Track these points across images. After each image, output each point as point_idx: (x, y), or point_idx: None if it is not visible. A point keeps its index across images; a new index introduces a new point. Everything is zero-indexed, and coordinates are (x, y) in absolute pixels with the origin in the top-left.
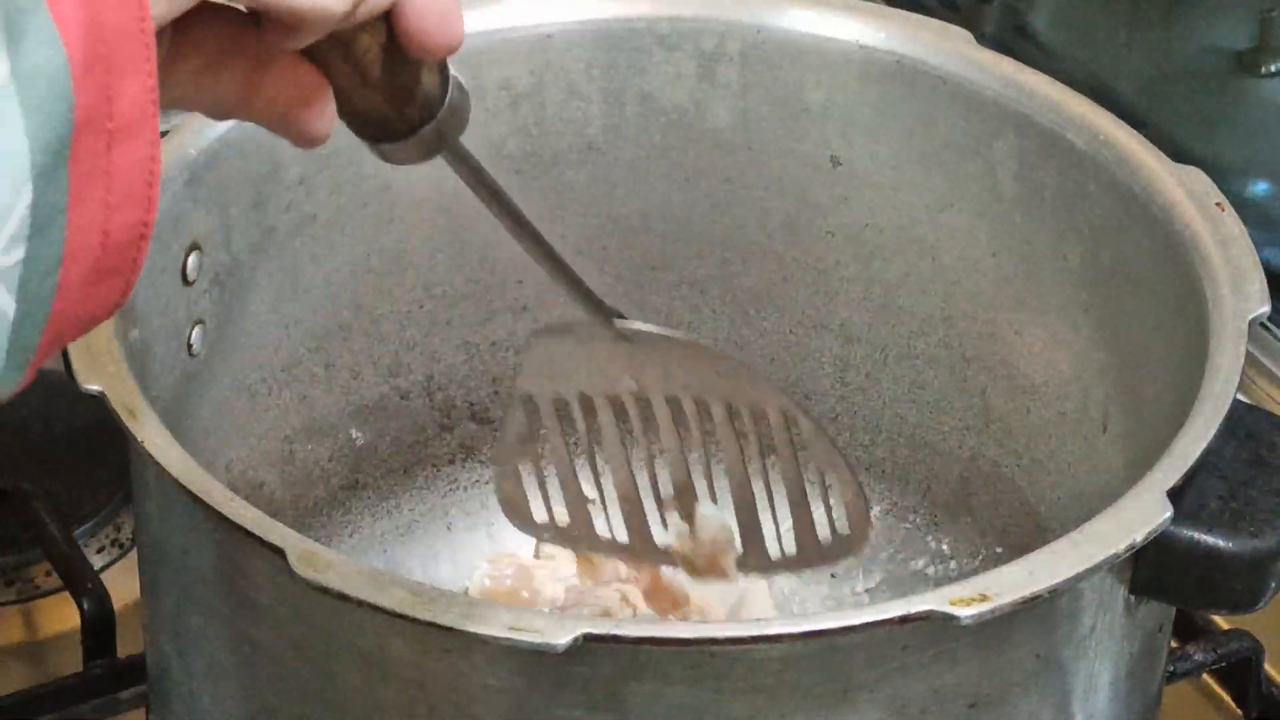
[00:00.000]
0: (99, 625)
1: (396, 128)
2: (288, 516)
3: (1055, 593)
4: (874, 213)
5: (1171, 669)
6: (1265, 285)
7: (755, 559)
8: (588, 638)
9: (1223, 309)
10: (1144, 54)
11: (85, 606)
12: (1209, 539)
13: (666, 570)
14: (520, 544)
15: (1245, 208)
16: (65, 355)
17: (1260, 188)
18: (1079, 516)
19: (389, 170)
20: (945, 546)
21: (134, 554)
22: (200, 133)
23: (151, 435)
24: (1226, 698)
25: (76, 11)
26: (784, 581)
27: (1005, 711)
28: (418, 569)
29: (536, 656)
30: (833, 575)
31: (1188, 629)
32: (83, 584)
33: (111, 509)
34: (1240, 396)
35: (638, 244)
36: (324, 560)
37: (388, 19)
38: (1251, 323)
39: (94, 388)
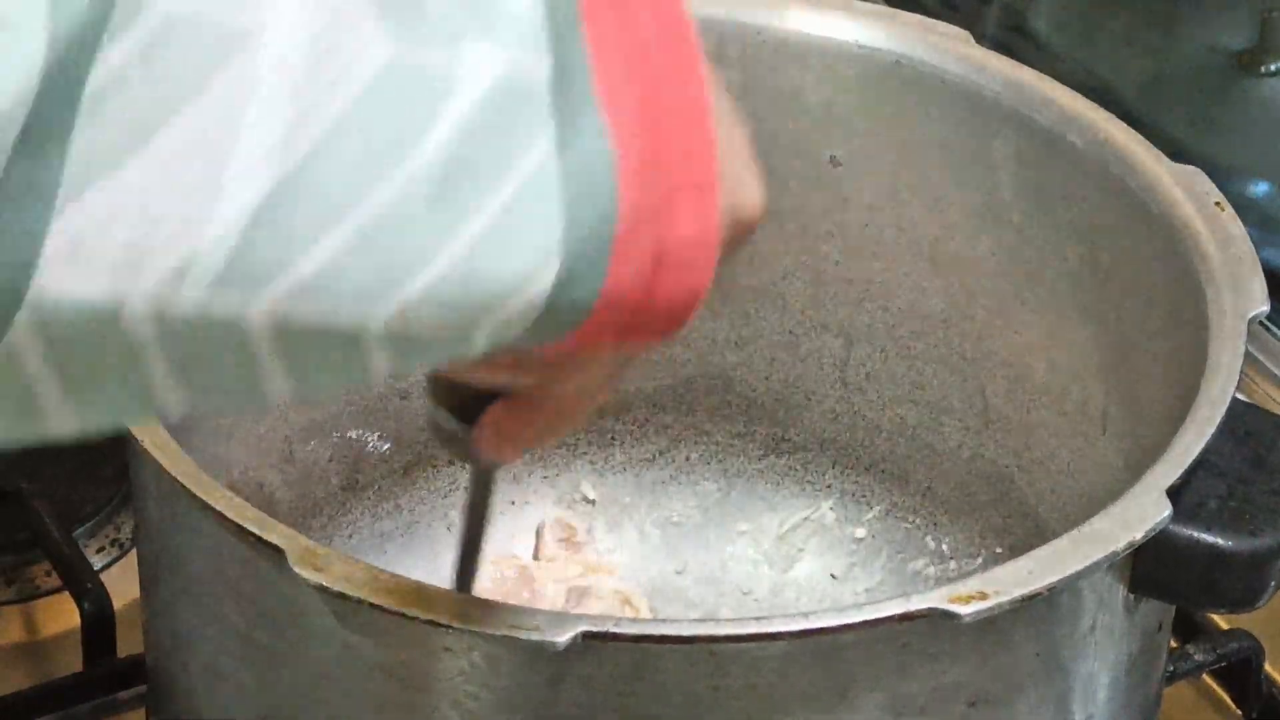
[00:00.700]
0: (99, 625)
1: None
2: (288, 516)
3: (1055, 591)
4: (874, 213)
5: (1171, 669)
6: (1264, 284)
7: None
8: (587, 636)
9: (1222, 308)
10: (1144, 54)
11: (85, 606)
12: (1208, 537)
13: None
14: (522, 546)
15: (1245, 208)
16: None
17: (1260, 188)
18: (1079, 516)
19: None
20: (945, 546)
21: (134, 554)
22: None
23: (151, 435)
24: (1226, 698)
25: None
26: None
27: (1005, 710)
28: (417, 569)
29: (536, 655)
30: (832, 575)
31: (1188, 629)
32: (83, 584)
33: (111, 509)
34: (1239, 396)
35: None
36: (323, 559)
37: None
38: (1251, 322)
39: None
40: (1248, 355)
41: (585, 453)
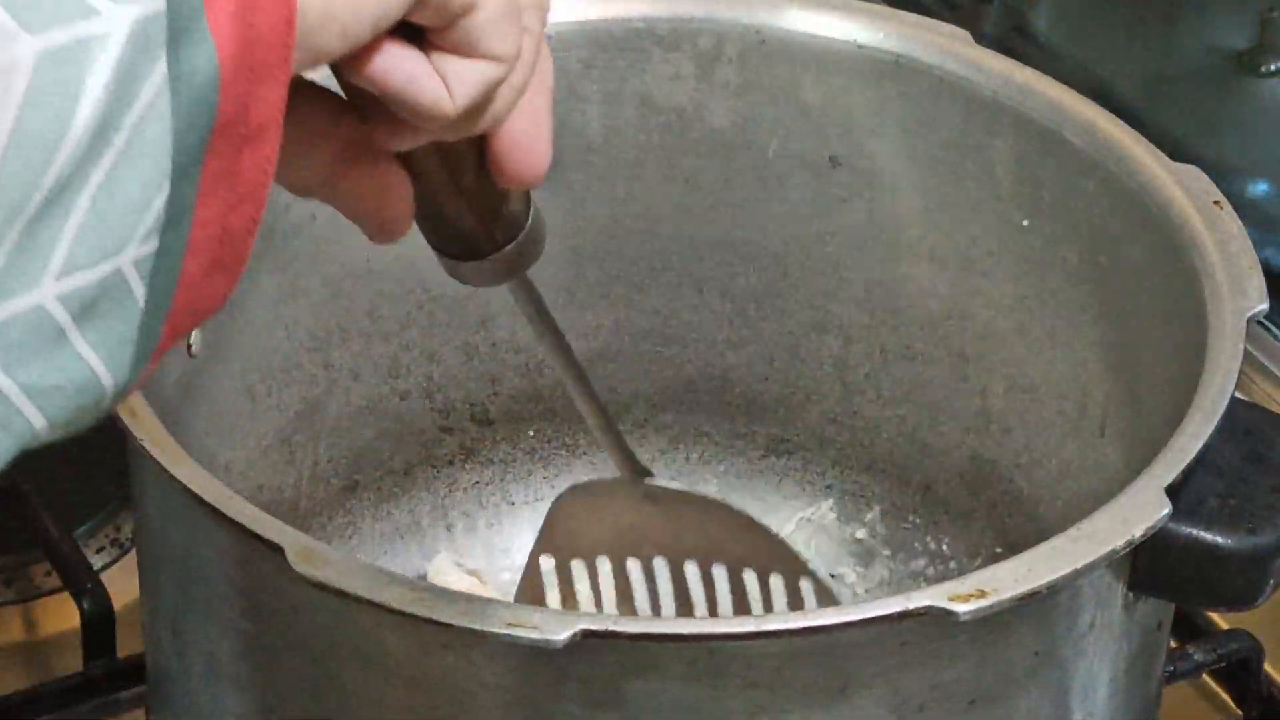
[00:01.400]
0: (99, 625)
1: (480, 245)
2: (288, 516)
3: (1054, 589)
4: (873, 213)
5: (1171, 669)
6: (1264, 283)
7: None
8: (586, 634)
9: (1221, 307)
10: (1144, 54)
11: (85, 606)
12: (1207, 536)
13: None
14: (522, 545)
15: (1245, 207)
16: None
17: (1260, 188)
18: (1079, 516)
19: None
20: (945, 546)
21: (134, 554)
22: None
23: (151, 435)
24: (1226, 698)
25: (231, 22)
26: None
27: (1004, 708)
28: (417, 569)
29: (535, 653)
30: (832, 575)
31: (1187, 629)
32: (83, 584)
33: (111, 509)
34: (1239, 394)
35: (637, 244)
36: (323, 557)
37: (483, 138)
38: (1250, 320)
39: None
40: (1247, 354)
41: (585, 453)
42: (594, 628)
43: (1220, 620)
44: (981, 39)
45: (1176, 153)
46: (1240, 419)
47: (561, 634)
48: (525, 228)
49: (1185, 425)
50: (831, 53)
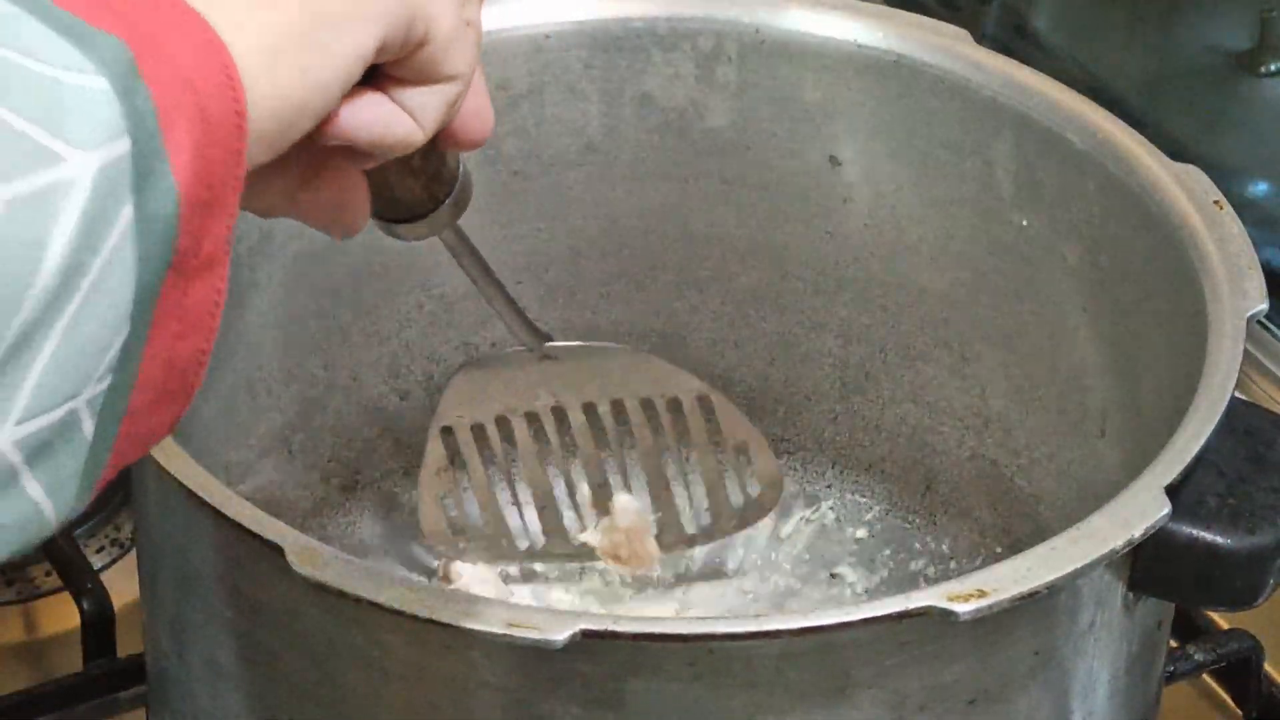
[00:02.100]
0: (99, 625)
1: (422, 208)
2: (288, 516)
3: (1053, 589)
4: (873, 213)
5: (1171, 669)
6: (1263, 283)
7: (673, 536)
8: (586, 634)
9: (1221, 306)
10: (1144, 54)
11: (85, 606)
12: (1207, 535)
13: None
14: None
15: (1245, 207)
16: None
17: (1260, 188)
18: (1079, 516)
19: None
20: (945, 546)
21: (134, 554)
22: None
23: None
24: (1226, 698)
25: (191, 159)
26: (783, 580)
27: (1004, 708)
28: (417, 569)
29: (535, 653)
30: (831, 575)
31: (1187, 629)
32: (83, 584)
33: (111, 509)
34: (1238, 394)
35: (637, 244)
36: (322, 557)
37: None
38: (1250, 320)
39: None
40: (1246, 354)
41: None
42: (593, 628)
43: (1220, 620)
44: (981, 39)
45: (1176, 153)
46: (1240, 419)
47: (561, 634)
48: (458, 179)
49: (1185, 425)
50: (831, 53)
